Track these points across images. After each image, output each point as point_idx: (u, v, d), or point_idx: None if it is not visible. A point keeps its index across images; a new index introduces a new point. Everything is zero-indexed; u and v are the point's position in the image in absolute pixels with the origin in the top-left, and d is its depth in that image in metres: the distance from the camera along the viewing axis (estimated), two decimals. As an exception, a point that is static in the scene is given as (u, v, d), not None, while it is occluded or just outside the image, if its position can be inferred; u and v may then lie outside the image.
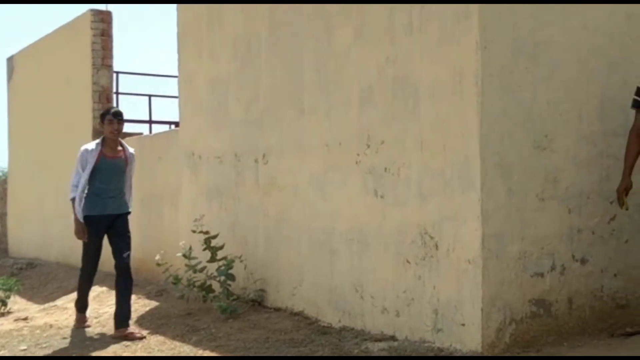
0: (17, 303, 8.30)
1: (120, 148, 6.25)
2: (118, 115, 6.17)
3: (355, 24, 5.41)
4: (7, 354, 5.71)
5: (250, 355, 5.07)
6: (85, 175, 6.02)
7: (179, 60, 7.76)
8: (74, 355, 5.60)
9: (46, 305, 7.81)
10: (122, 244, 6.09)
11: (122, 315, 6.01)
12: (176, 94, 8.09)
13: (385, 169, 5.12)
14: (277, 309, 6.18)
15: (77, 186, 6.05)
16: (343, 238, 5.51)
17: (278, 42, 6.25)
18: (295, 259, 6.04)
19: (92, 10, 9.91)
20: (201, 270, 6.38)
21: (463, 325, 4.54)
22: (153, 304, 7.00)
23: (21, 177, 12.22)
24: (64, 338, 6.12)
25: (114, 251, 6.13)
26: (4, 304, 7.93)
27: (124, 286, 6.08)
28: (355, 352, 4.82)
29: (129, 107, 12.38)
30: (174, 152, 7.85)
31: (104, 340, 5.96)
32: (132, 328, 6.03)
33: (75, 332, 6.27)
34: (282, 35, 6.19)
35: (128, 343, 5.76)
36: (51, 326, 6.59)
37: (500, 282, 4.47)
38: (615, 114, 4.91)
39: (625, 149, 4.73)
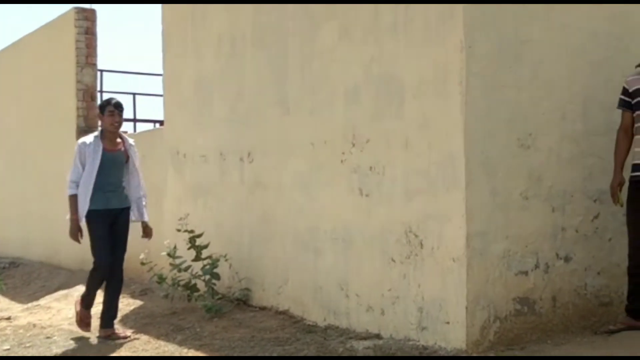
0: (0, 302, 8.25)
1: (119, 140, 5.96)
2: (119, 107, 5.86)
3: (340, 23, 5.41)
4: (-10, 354, 5.68)
5: (235, 354, 5.06)
6: (93, 172, 5.70)
7: (164, 58, 7.73)
8: (57, 355, 5.57)
9: (29, 304, 7.76)
10: (118, 244, 5.89)
11: (109, 315, 5.90)
12: (161, 93, 8.06)
13: (371, 167, 5.13)
14: (262, 308, 6.17)
15: (75, 182, 5.76)
16: (328, 237, 5.52)
17: (263, 41, 6.24)
18: (280, 258, 6.04)
19: (76, 8, 9.85)
20: (186, 269, 6.36)
21: (447, 323, 4.55)
22: (137, 303, 6.99)
23: (4, 176, 12.12)
24: (48, 337, 6.09)
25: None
26: (-13, 303, 7.89)
27: (114, 286, 5.92)
28: (341, 351, 4.83)
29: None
30: (158, 150, 7.83)
31: (88, 339, 5.93)
32: (117, 327, 6.00)
33: (59, 332, 6.24)
34: (267, 34, 6.19)
35: (112, 343, 5.73)
36: (34, 325, 6.55)
37: (484, 280, 4.49)
38: (598, 113, 4.94)
39: (615, 147, 4.78)
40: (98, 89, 10.51)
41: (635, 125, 4.71)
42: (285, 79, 5.96)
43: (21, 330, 6.41)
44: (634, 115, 4.72)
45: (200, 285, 6.39)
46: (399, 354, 4.62)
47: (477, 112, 4.50)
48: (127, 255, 6.02)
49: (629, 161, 4.78)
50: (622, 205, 4.75)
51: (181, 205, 7.23)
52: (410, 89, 4.82)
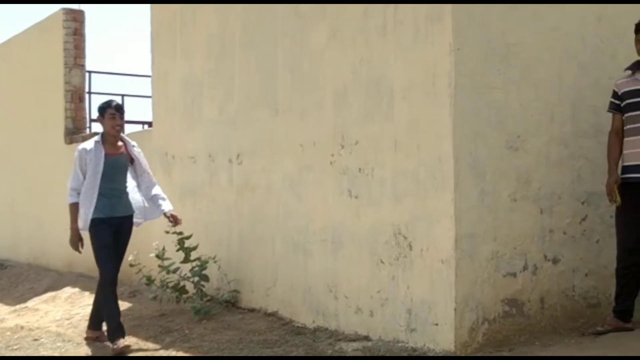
0: (-13, 305, 8.20)
1: (120, 144, 5.71)
2: (120, 109, 5.64)
3: (329, 25, 5.41)
4: (-23, 356, 5.64)
5: (224, 356, 5.05)
6: (96, 178, 5.47)
7: (153, 60, 7.71)
8: (44, 355, 5.54)
9: (17, 306, 7.71)
10: (118, 253, 5.67)
11: (99, 318, 5.78)
12: (149, 94, 8.04)
13: (360, 169, 5.14)
14: (251, 310, 6.16)
15: (76, 190, 5.51)
16: (317, 238, 5.52)
17: (252, 42, 6.24)
18: (269, 260, 6.03)
19: (64, 9, 9.82)
20: (174, 271, 6.35)
21: (436, 325, 4.56)
22: (126, 305, 6.95)
23: (-8, 177, 12.07)
24: (35, 340, 6.05)
25: None
26: (-26, 305, 7.84)
27: None
28: (329, 353, 4.82)
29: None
30: (147, 152, 7.77)
31: (75, 341, 5.90)
32: (105, 330, 5.96)
33: (47, 334, 6.20)
34: (256, 36, 6.18)
35: (100, 344, 5.70)
36: (22, 328, 6.51)
37: (473, 282, 4.50)
38: (587, 115, 4.96)
39: (607, 149, 4.79)
40: (86, 90, 10.48)
41: (625, 127, 4.73)
42: (275, 80, 5.95)
43: (8, 333, 6.37)
44: (624, 117, 4.73)
45: (189, 287, 6.37)
46: (388, 355, 4.62)
47: (466, 114, 4.51)
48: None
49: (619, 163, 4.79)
50: (619, 204, 4.73)
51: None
52: (400, 91, 4.83)
